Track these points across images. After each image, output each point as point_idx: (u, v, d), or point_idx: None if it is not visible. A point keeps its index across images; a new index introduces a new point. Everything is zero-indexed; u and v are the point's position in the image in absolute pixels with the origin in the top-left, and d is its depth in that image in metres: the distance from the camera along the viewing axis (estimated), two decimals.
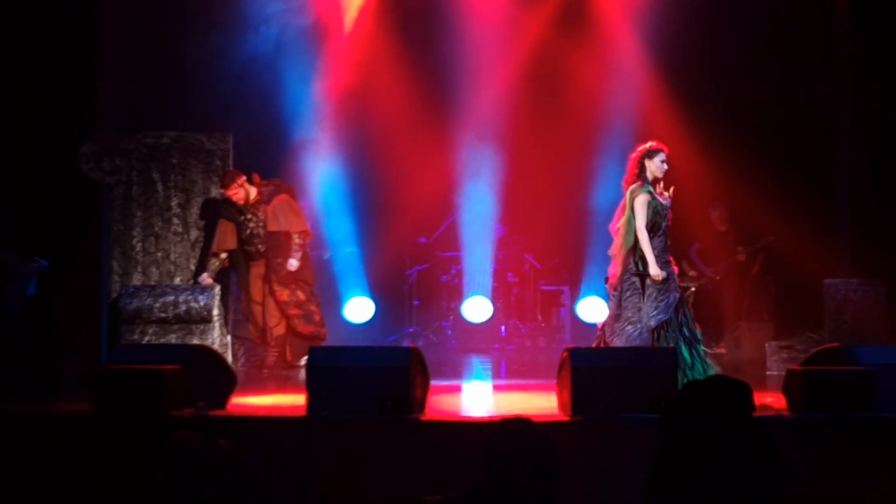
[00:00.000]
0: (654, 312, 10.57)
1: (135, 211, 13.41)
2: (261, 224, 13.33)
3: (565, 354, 8.74)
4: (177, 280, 13.32)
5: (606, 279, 11.10)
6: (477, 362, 15.11)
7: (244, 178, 13.24)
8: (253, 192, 13.32)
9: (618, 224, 10.93)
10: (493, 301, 17.09)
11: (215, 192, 13.30)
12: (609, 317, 10.93)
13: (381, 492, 7.90)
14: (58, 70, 14.05)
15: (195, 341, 12.37)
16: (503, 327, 17.23)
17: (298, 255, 13.37)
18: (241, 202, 13.21)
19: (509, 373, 14.07)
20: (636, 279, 10.69)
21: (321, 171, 16.64)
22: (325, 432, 8.17)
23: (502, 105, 17.07)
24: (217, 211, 13.40)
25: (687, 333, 10.65)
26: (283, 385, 12.05)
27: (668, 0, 16.42)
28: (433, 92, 16.94)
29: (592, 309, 17.57)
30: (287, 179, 15.18)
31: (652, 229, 10.67)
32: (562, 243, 18.05)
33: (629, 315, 10.69)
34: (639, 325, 10.61)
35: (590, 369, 8.51)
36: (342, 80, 16.71)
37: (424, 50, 16.90)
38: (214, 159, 13.42)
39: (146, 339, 12.69)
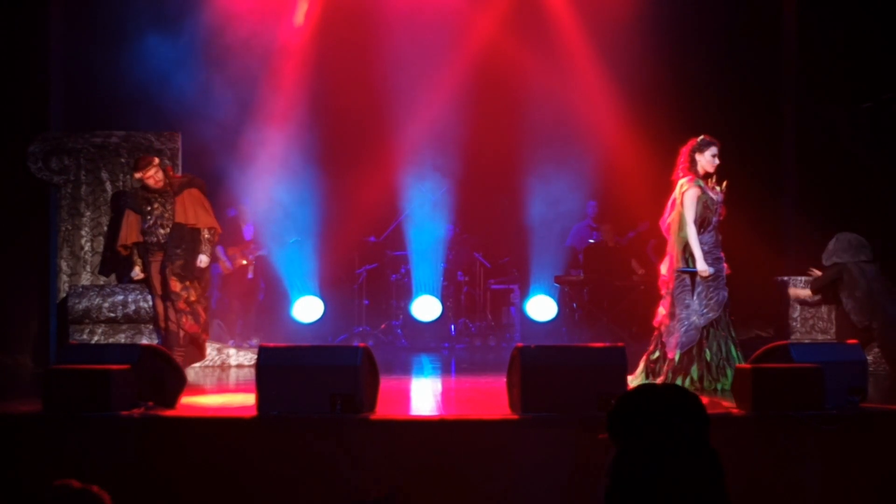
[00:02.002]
0: (705, 311, 10.56)
1: (83, 210, 13.35)
2: (167, 214, 12.53)
3: (515, 353, 8.74)
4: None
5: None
6: (427, 361, 15.11)
7: (158, 160, 12.63)
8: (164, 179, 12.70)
9: (668, 220, 10.89)
10: (443, 300, 17.11)
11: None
12: (664, 315, 10.91)
13: (331, 490, 7.90)
14: (5, 68, 13.94)
15: (144, 341, 12.34)
16: (453, 326, 17.26)
17: (209, 251, 12.71)
18: (160, 185, 12.46)
19: (459, 371, 14.07)
20: (686, 276, 10.67)
21: (270, 170, 16.61)
22: (276, 431, 8.16)
23: (453, 105, 17.09)
24: (123, 202, 12.92)
25: (734, 333, 10.67)
26: (234, 385, 12.05)
27: (621, 8, 16.55)
28: (384, 92, 16.93)
29: (542, 307, 17.64)
30: (233, 179, 15.21)
31: (702, 224, 10.62)
32: (511, 242, 18.12)
33: (679, 313, 10.68)
34: (686, 323, 10.61)
35: (540, 367, 8.51)
36: (291, 79, 16.70)
37: (375, 49, 16.84)
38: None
39: (95, 338, 12.66)
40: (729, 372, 10.40)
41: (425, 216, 17.63)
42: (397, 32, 16.68)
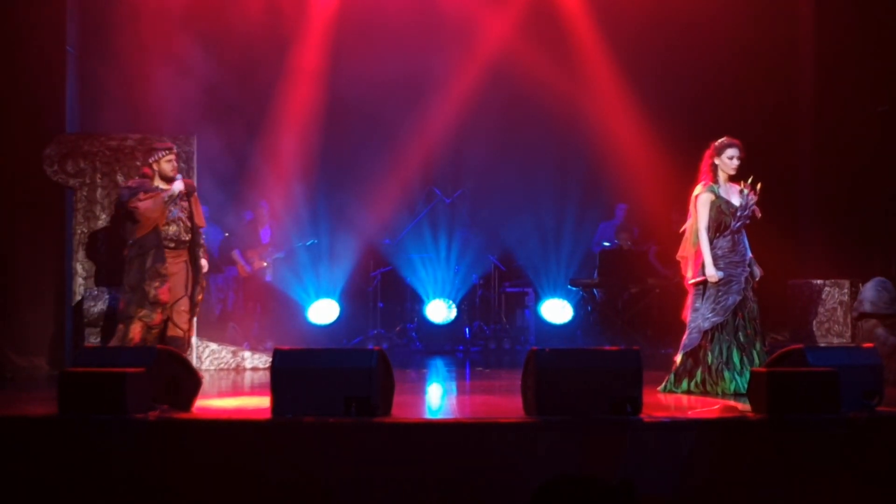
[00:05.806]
0: (710, 314, 10.58)
1: (99, 213, 13.34)
2: (185, 211, 11.73)
3: (530, 356, 8.72)
4: None
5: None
6: (441, 364, 15.09)
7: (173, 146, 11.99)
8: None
9: (685, 226, 10.91)
10: (458, 303, 17.12)
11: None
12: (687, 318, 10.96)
13: (345, 493, 7.89)
14: (22, 70, 13.94)
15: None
16: (467, 329, 17.25)
17: (206, 256, 12.31)
18: (175, 172, 11.66)
19: (474, 374, 14.06)
20: (701, 279, 10.70)
21: (286, 173, 16.65)
22: (290, 434, 8.14)
23: (469, 110, 17.12)
24: (140, 187, 11.69)
25: (742, 339, 10.64)
26: (249, 388, 12.05)
27: (637, 14, 16.57)
28: (400, 96, 16.93)
29: (556, 310, 17.62)
30: (250, 182, 15.24)
31: (718, 229, 10.64)
32: (526, 245, 18.11)
33: (689, 316, 10.73)
34: (692, 326, 10.65)
35: (554, 370, 8.48)
36: (307, 82, 16.75)
37: (392, 51, 16.79)
38: (179, 161, 13.31)
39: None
40: (727, 375, 10.45)
41: (440, 219, 17.65)
42: (414, 36, 16.68)
